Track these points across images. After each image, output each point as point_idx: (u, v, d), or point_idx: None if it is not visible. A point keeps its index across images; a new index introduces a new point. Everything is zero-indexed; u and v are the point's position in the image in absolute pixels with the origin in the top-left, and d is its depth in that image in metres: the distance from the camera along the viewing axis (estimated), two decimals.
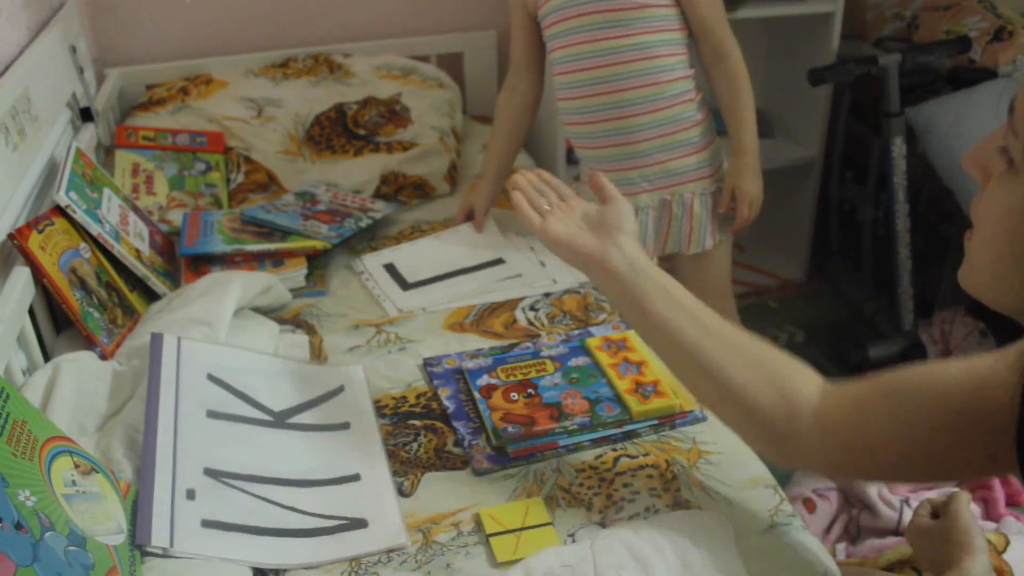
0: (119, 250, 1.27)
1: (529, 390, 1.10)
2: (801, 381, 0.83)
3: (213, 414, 1.00)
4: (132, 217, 1.39)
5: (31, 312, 1.12)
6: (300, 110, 1.84)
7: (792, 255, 2.48)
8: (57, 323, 1.23)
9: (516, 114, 1.58)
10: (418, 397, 1.12)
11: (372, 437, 1.05)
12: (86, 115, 1.63)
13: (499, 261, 1.46)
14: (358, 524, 0.92)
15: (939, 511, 0.95)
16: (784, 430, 0.82)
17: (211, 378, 1.05)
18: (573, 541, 0.89)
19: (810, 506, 1.51)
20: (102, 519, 0.80)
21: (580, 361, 1.16)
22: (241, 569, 0.84)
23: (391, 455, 1.02)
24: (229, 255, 1.39)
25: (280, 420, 1.05)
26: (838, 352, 2.17)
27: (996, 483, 1.48)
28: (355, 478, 0.98)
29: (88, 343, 1.15)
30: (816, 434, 0.80)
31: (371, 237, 1.56)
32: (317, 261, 1.45)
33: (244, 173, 1.73)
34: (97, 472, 0.84)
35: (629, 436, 1.04)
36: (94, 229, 1.24)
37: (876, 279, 2.32)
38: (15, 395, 0.80)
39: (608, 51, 1.41)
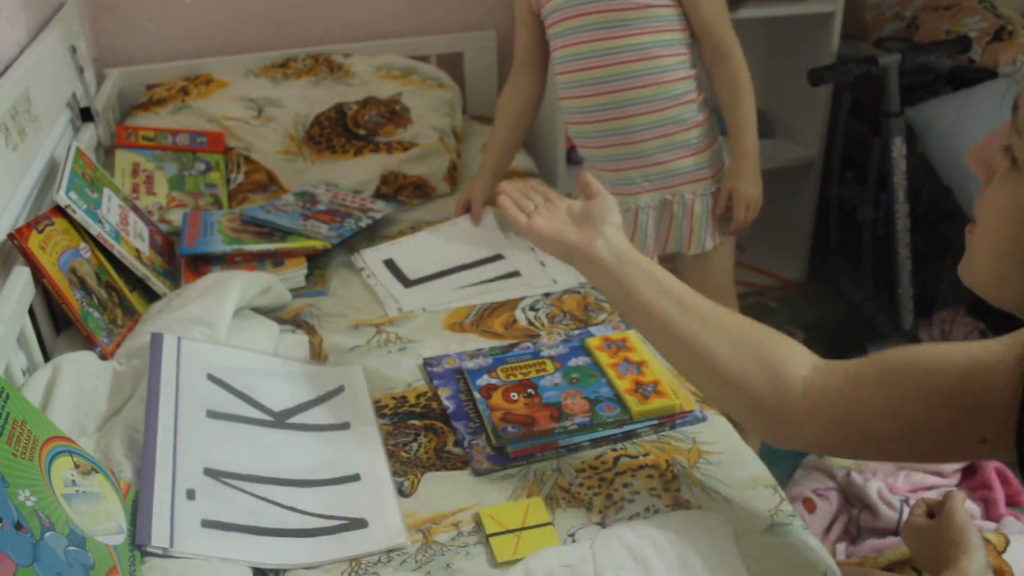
0: (119, 250, 1.27)
1: (529, 390, 1.10)
2: (791, 358, 0.84)
3: (213, 414, 1.00)
4: (132, 217, 1.39)
5: (31, 312, 1.12)
6: (300, 110, 1.84)
7: (792, 255, 2.48)
8: (57, 323, 1.23)
9: (518, 110, 1.59)
10: (418, 397, 1.12)
11: (372, 437, 1.05)
12: (86, 115, 1.63)
13: (498, 257, 1.47)
14: (358, 524, 0.92)
15: (935, 511, 0.95)
16: (773, 407, 0.83)
17: (211, 378, 1.05)
18: (573, 541, 0.89)
19: (810, 506, 1.51)
20: (102, 519, 0.80)
21: (580, 361, 1.16)
22: (241, 569, 0.84)
23: (391, 455, 1.02)
24: (229, 255, 1.39)
25: (280, 420, 1.05)
26: (838, 352, 2.16)
27: (996, 483, 1.49)
28: (355, 478, 0.98)
29: (88, 343, 1.15)
30: (806, 410, 0.81)
31: (371, 237, 1.56)
32: (317, 261, 1.45)
33: (244, 173, 1.73)
34: (97, 472, 0.84)
35: (629, 436, 1.04)
36: (94, 229, 1.24)
37: (876, 279, 2.32)
38: (15, 395, 0.80)
39: (608, 51, 1.41)
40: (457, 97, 1.98)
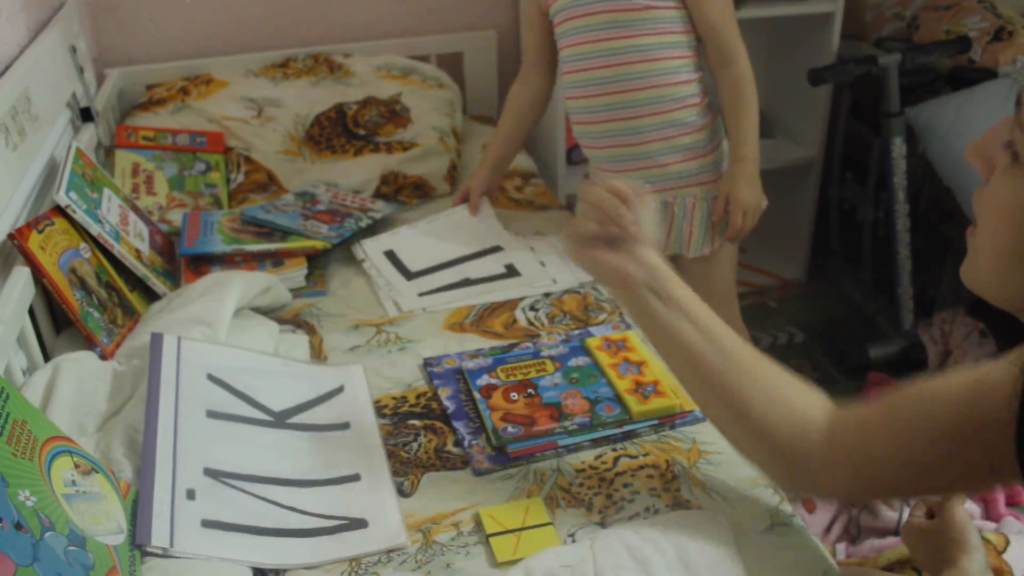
0: (119, 250, 1.27)
1: (529, 390, 1.10)
2: (812, 407, 0.82)
3: (213, 414, 1.00)
4: (132, 217, 1.39)
5: (31, 312, 1.12)
6: (300, 110, 1.84)
7: (792, 255, 2.48)
8: (57, 323, 1.23)
9: (524, 107, 1.60)
10: (418, 397, 1.12)
11: (372, 437, 1.05)
12: (86, 115, 1.63)
13: (497, 248, 1.48)
14: (358, 524, 0.92)
15: (935, 511, 0.95)
16: (797, 458, 0.81)
17: (211, 378, 1.05)
18: (573, 541, 0.89)
19: (810, 506, 1.51)
20: (102, 519, 0.80)
21: (580, 361, 1.16)
22: (241, 569, 0.84)
23: (391, 455, 1.02)
24: (229, 255, 1.39)
25: (280, 420, 1.05)
26: (838, 352, 2.17)
27: None
28: (355, 478, 0.98)
29: (88, 343, 1.15)
30: (825, 460, 0.80)
31: (371, 237, 1.56)
32: (317, 261, 1.45)
33: (244, 173, 1.73)
34: (97, 472, 0.84)
35: (629, 436, 1.04)
36: (94, 229, 1.24)
37: (876, 279, 2.32)
38: (15, 395, 0.80)
39: (612, 52, 1.41)
40: (457, 97, 1.98)
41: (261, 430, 1.02)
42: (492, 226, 1.56)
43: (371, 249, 1.48)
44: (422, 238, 1.53)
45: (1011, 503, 1.45)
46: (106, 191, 1.36)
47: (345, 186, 1.69)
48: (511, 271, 1.43)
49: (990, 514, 1.44)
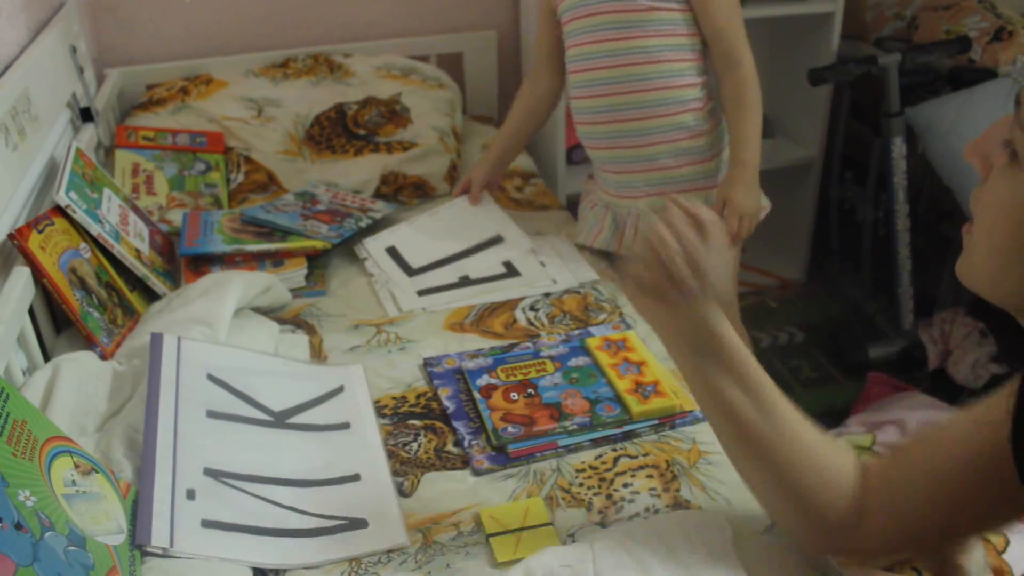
0: (119, 250, 1.27)
1: (529, 390, 1.10)
2: (845, 470, 0.80)
3: (213, 414, 1.00)
4: (132, 217, 1.39)
5: (31, 312, 1.12)
6: (300, 110, 1.84)
7: (792, 255, 2.48)
8: (57, 323, 1.23)
9: (532, 103, 1.60)
10: (418, 397, 1.12)
11: (372, 437, 1.05)
12: (86, 115, 1.63)
13: (498, 239, 1.49)
14: (358, 524, 0.92)
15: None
16: (834, 523, 0.80)
17: (211, 378, 1.05)
18: (573, 541, 0.89)
19: None
20: (102, 519, 0.80)
21: (580, 361, 1.16)
22: (241, 569, 0.84)
23: (391, 455, 1.02)
24: (229, 255, 1.39)
25: (280, 420, 1.05)
26: (838, 352, 2.17)
27: None
28: (355, 478, 0.98)
29: (88, 343, 1.15)
30: (858, 511, 0.79)
31: (372, 235, 1.56)
32: (317, 261, 1.45)
33: (244, 173, 1.73)
34: (97, 472, 0.84)
35: (629, 436, 1.04)
36: (94, 229, 1.24)
37: (876, 279, 2.32)
38: (15, 395, 0.80)
39: (617, 52, 1.40)
40: (457, 97, 1.98)
41: (261, 430, 1.02)
42: (492, 213, 1.56)
43: (373, 247, 1.49)
44: (423, 233, 1.53)
45: None
46: (106, 191, 1.36)
47: (345, 186, 1.69)
48: (511, 271, 1.43)
49: None
